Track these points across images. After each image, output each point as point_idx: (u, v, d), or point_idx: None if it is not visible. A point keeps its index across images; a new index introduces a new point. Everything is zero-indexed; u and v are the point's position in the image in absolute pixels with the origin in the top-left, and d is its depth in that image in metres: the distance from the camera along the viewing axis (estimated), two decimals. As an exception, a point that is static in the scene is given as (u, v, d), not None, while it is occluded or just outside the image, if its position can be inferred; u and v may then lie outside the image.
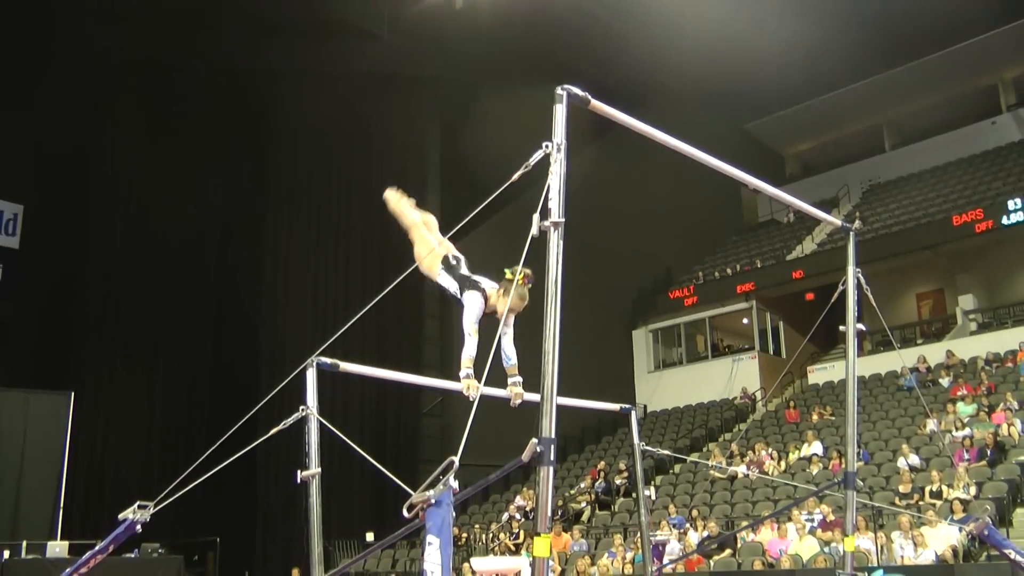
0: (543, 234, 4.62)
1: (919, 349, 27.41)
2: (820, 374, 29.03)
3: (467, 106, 28.88)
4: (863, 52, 31.08)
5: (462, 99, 28.91)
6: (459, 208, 6.09)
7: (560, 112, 4.83)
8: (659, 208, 33.27)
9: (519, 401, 6.63)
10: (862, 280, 7.54)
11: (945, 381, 24.38)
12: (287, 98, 28.58)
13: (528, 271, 6.14)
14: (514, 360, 6.67)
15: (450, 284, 6.87)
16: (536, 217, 4.60)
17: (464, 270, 6.88)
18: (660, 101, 28.01)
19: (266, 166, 29.57)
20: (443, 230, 7.10)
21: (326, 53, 27.10)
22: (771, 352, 31.49)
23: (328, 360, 7.05)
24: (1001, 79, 35.39)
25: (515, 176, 5.04)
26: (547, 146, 4.75)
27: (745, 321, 32.39)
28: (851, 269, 7.52)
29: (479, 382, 6.05)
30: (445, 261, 6.93)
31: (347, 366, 7.30)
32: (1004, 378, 23.25)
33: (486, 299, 6.63)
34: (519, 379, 6.65)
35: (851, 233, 7.66)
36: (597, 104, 5.15)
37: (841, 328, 7.67)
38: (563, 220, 4.62)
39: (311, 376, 6.98)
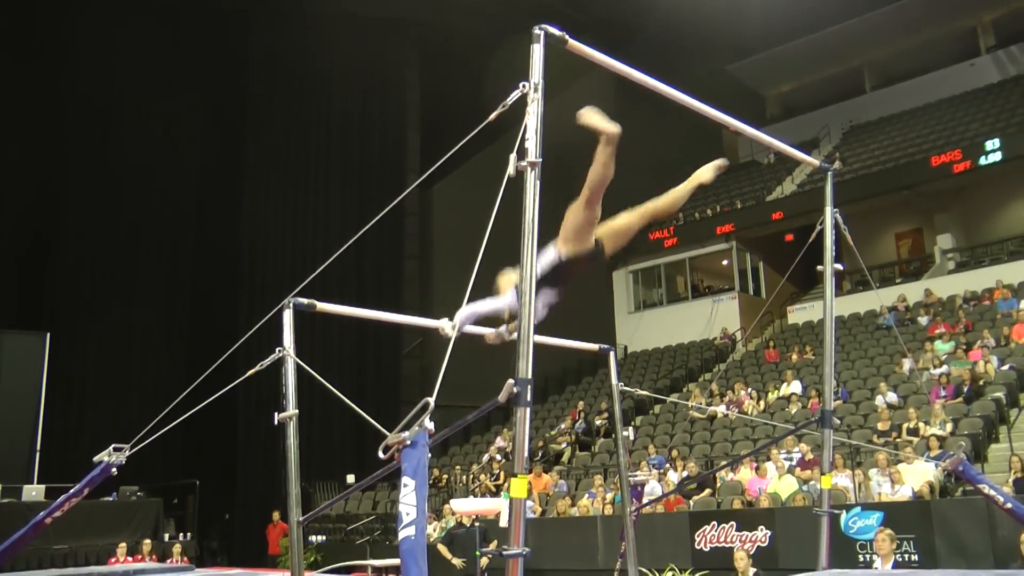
0: (520, 174, 4.57)
1: (898, 288, 27.60)
2: (800, 314, 29.15)
3: (447, 46, 28.68)
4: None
5: (442, 39, 28.69)
6: (439, 149, 6.03)
7: (537, 51, 4.77)
8: (639, 149, 33.02)
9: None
10: (840, 220, 7.53)
11: (923, 319, 24.56)
12: (267, 37, 28.33)
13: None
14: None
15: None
16: (513, 157, 4.55)
17: None
18: (641, 42, 27.87)
19: (246, 105, 29.40)
20: (422, 170, 6.97)
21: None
22: (751, 293, 31.60)
23: (304, 300, 7.02)
24: (980, 21, 35.36)
25: (492, 116, 4.98)
26: (524, 86, 4.70)
27: (725, 262, 32.46)
28: (829, 209, 7.50)
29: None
30: None
31: (323, 306, 7.27)
32: (981, 316, 23.47)
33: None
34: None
35: (829, 173, 7.63)
36: (575, 44, 5.08)
37: (819, 268, 7.67)
38: (540, 160, 4.57)
39: (288, 317, 6.96)
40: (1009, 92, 31.95)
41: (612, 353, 9.80)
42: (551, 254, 5.81)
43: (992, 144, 26.71)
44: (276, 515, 21.79)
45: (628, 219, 6.12)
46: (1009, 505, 8.27)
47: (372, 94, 28.98)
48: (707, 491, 17.86)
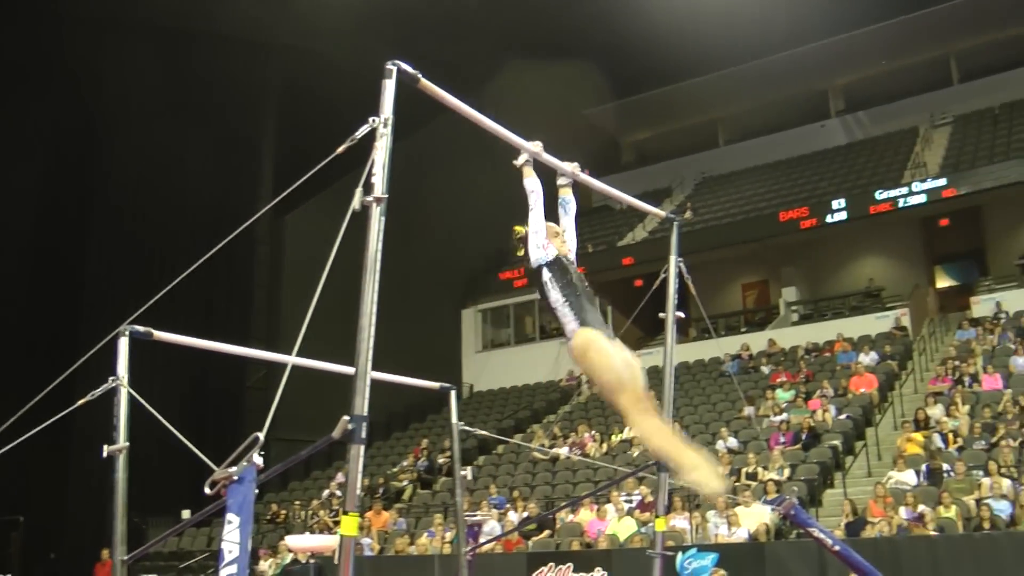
0: (366, 209, 4.52)
1: (743, 337, 28.30)
2: (646, 359, 28.67)
3: (308, 72, 28.39)
4: (701, 49, 31.64)
5: (304, 65, 28.40)
6: (294, 177, 5.93)
7: (388, 87, 4.74)
8: (493, 188, 33.10)
9: (580, 174, 6.48)
10: (683, 270, 7.66)
11: (766, 368, 25.18)
12: (125, 51, 27.48)
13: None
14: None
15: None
16: (359, 191, 4.51)
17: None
18: (502, 80, 28.04)
19: (97, 118, 28.43)
20: (275, 197, 6.77)
21: (166, 6, 26.24)
22: (599, 336, 31.83)
23: (141, 328, 6.80)
24: (831, 86, 36.67)
25: (340, 149, 4.93)
26: (374, 120, 4.67)
27: (574, 305, 32.63)
28: (673, 259, 7.62)
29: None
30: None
31: (162, 335, 7.06)
32: (822, 367, 24.23)
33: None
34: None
35: (675, 224, 7.76)
36: (426, 84, 5.08)
37: (661, 316, 7.78)
38: (386, 196, 4.53)
39: (123, 345, 6.74)
40: (856, 155, 33.16)
41: (453, 392, 9.78)
42: None
43: (838, 203, 27.72)
44: (105, 553, 20.98)
45: None
46: (837, 548, 8.53)
47: (229, 116, 28.46)
48: (546, 532, 17.94)
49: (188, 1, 25.85)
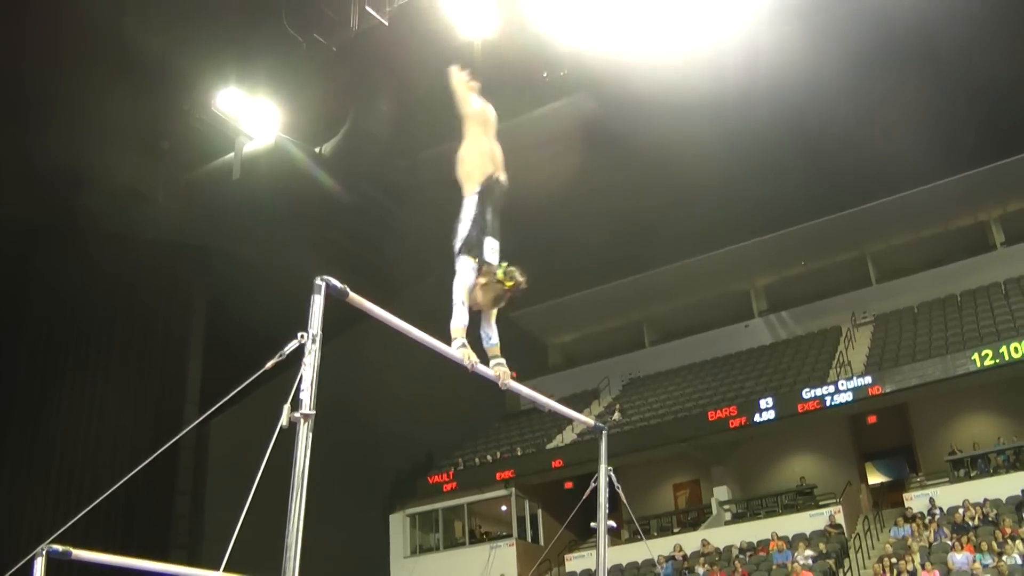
0: (293, 425, 4.46)
1: (676, 538, 28.00)
2: (578, 562, 29.06)
3: (237, 278, 28.37)
4: (624, 251, 32.20)
5: (233, 270, 28.40)
6: (223, 381, 5.89)
7: (317, 303, 4.74)
8: (421, 392, 33.01)
9: (508, 381, 6.41)
10: (613, 478, 7.62)
11: (701, 569, 24.92)
12: (50, 255, 27.33)
13: (522, 280, 6.05)
14: (496, 340, 6.45)
15: (466, 218, 6.53)
16: (286, 408, 4.46)
17: (489, 215, 6.54)
18: (432, 283, 28.17)
19: (22, 324, 28.05)
20: (203, 405, 6.77)
21: (95, 212, 26.21)
22: (529, 539, 31.39)
23: (59, 548, 6.61)
24: (753, 286, 37.61)
25: (268, 365, 4.89)
26: (302, 336, 4.64)
27: (504, 508, 32.30)
28: (602, 467, 7.60)
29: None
30: (487, 181, 6.58)
31: (81, 553, 6.87)
32: (757, 566, 24.12)
33: (476, 276, 6.30)
34: (503, 360, 6.41)
35: (603, 432, 7.75)
36: (355, 297, 5.09)
37: (592, 524, 7.71)
38: (314, 412, 4.49)
39: (39, 566, 6.52)
40: (781, 354, 33.76)
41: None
42: None
43: (766, 403, 28.01)
44: None
45: None
46: None
47: (156, 319, 28.11)
48: None
49: (115, 206, 25.82)
